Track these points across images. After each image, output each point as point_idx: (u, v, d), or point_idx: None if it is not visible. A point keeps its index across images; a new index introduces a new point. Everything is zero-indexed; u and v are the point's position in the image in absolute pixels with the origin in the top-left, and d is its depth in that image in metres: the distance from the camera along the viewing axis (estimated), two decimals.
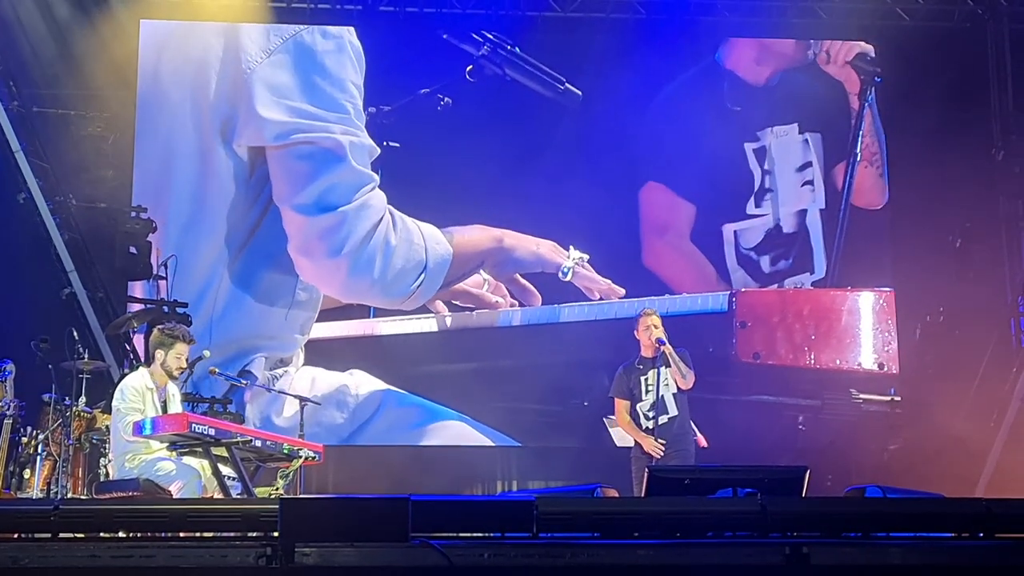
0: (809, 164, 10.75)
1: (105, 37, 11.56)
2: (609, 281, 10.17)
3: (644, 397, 9.15)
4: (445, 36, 10.03)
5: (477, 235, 9.77)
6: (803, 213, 10.73)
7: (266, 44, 9.40)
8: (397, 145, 9.85)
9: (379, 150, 9.53)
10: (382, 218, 9.41)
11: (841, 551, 5.19)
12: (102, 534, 5.27)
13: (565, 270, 9.90)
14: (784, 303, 10.29)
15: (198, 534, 5.50)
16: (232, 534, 5.32)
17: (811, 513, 5.61)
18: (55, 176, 11.50)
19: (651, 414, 9.05)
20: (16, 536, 5.23)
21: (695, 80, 10.82)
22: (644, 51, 12.52)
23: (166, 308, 10.70)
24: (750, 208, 10.64)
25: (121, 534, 5.39)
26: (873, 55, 10.99)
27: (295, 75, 9.32)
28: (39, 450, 9.49)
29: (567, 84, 10.05)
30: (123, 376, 10.16)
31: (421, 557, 4.92)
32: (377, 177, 9.43)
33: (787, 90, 10.85)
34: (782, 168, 10.69)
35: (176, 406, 8.47)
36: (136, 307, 11.12)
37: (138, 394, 8.18)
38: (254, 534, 5.21)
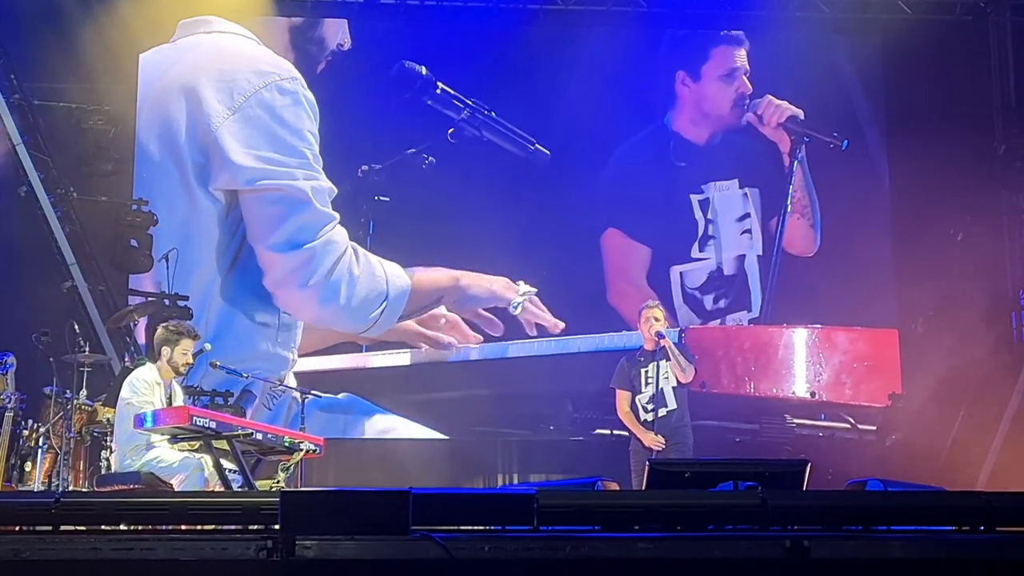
0: (748, 215, 11.72)
1: (106, 30, 11.55)
2: (553, 318, 11.11)
3: (644, 389, 9.16)
4: (429, 103, 11.06)
5: (436, 274, 10.77)
6: (742, 258, 11.72)
7: (230, 102, 10.46)
8: (387, 199, 10.91)
9: (336, 191, 10.52)
10: (345, 251, 10.45)
11: (842, 545, 5.18)
12: (103, 527, 5.27)
13: (515, 304, 10.86)
14: (728, 338, 11.11)
15: (199, 527, 5.50)
16: (233, 527, 5.31)
17: (812, 507, 5.60)
18: (56, 169, 11.48)
19: (650, 407, 9.07)
20: (17, 529, 5.23)
21: (646, 140, 11.89)
22: (644, 47, 12.65)
23: (167, 301, 10.70)
24: (694, 252, 11.64)
25: (122, 527, 5.39)
26: (803, 118, 11.96)
27: (259, 128, 10.35)
28: (40, 443, 9.48)
29: (537, 145, 11.04)
30: (126, 369, 10.18)
31: (422, 550, 4.92)
32: (337, 216, 10.46)
33: (727, 149, 11.84)
34: (723, 218, 11.72)
35: (179, 403, 8.48)
36: (137, 300, 11.11)
37: (149, 387, 8.20)
38: (255, 527, 5.20)
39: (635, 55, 12.69)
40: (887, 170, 13.07)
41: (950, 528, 5.53)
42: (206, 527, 5.47)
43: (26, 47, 11.53)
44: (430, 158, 10.96)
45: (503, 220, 10.98)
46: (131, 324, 10.94)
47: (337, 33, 11.41)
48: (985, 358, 12.04)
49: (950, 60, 12.72)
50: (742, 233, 11.73)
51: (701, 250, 11.70)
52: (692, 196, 11.74)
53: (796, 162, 11.71)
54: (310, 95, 10.60)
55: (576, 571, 4.97)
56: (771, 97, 12.01)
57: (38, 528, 5.21)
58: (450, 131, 11.05)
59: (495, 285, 10.94)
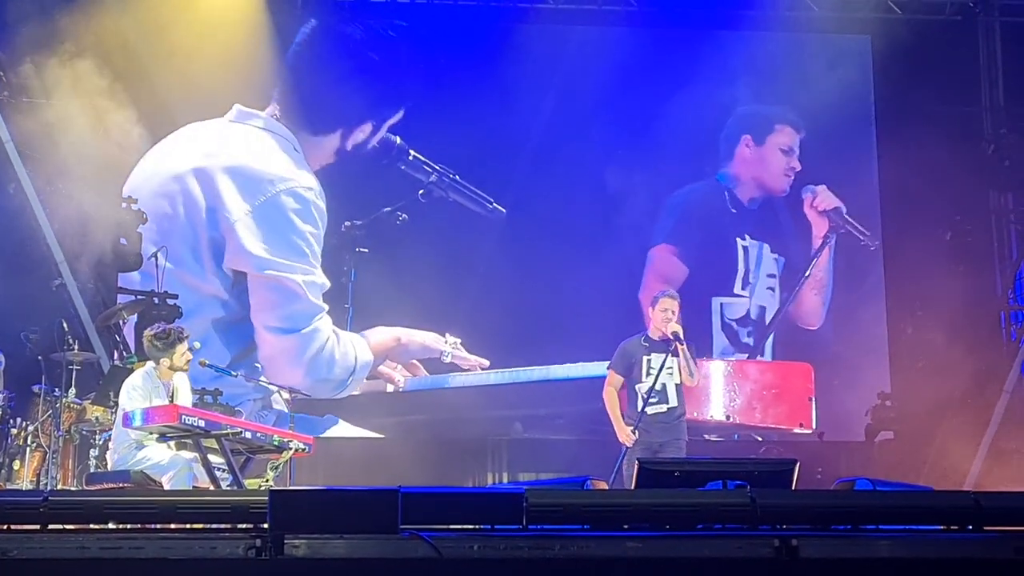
0: (774, 275, 13.20)
1: (96, 26, 11.53)
2: (477, 357, 12.42)
3: (643, 379, 9.03)
4: (403, 167, 12.52)
5: (382, 336, 12.29)
6: (763, 309, 13.15)
7: (252, 200, 11.89)
8: (366, 250, 12.34)
9: (329, 284, 12.06)
10: (328, 339, 11.99)
11: (830, 544, 5.19)
12: (91, 526, 5.25)
13: (445, 353, 12.29)
14: None
15: (188, 526, 5.48)
16: (222, 526, 5.30)
17: (801, 506, 5.60)
18: (45, 166, 11.44)
19: (648, 398, 8.93)
20: (5, 528, 5.21)
21: (704, 188, 13.31)
22: (639, 52, 12.86)
23: (156, 300, 10.67)
24: (737, 288, 13.09)
25: (111, 526, 5.37)
26: (845, 212, 13.10)
27: (272, 226, 11.91)
28: (29, 441, 9.46)
29: (494, 204, 12.54)
30: (115, 367, 10.15)
31: (411, 549, 4.91)
32: (325, 307, 12.02)
33: (766, 214, 13.30)
34: (759, 270, 13.20)
35: (184, 396, 8.43)
36: (126, 298, 11.08)
37: (145, 392, 8.17)
38: (244, 526, 5.19)
39: (629, 60, 12.86)
40: (876, 169, 13.11)
41: (938, 527, 5.54)
42: (195, 526, 5.46)
43: (14, 43, 11.49)
44: (403, 215, 12.39)
45: (464, 269, 12.45)
46: (120, 322, 10.90)
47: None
48: (974, 357, 12.07)
49: (939, 60, 12.75)
50: (767, 288, 13.18)
51: (743, 288, 13.11)
52: (738, 240, 13.18)
53: (827, 246, 13.13)
54: (321, 204, 12.11)
55: (565, 570, 4.97)
56: (826, 187, 13.17)
57: (26, 527, 5.19)
58: (420, 192, 12.50)
59: (427, 339, 12.38)
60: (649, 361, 9.06)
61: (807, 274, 13.03)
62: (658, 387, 8.96)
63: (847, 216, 13.07)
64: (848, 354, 12.65)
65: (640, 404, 8.97)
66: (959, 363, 12.03)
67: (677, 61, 12.94)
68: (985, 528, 5.42)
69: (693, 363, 8.98)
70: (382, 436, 12.18)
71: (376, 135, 12.55)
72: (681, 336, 8.97)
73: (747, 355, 13.04)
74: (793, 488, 6.56)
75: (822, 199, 13.15)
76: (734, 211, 13.18)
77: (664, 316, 9.06)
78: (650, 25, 12.97)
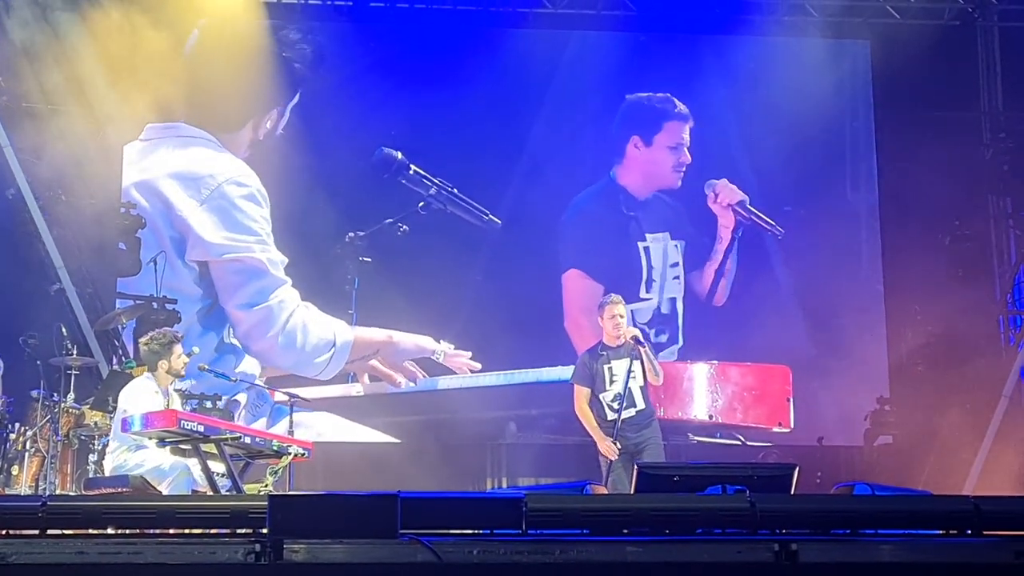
0: (677, 264, 13.42)
1: (94, 31, 11.54)
2: (468, 358, 12.69)
3: (608, 387, 9.04)
4: (403, 182, 12.95)
5: (374, 331, 12.66)
6: (673, 300, 13.39)
7: (198, 196, 12.32)
8: (369, 260, 12.75)
9: (287, 260, 12.45)
10: (297, 307, 12.37)
11: (830, 548, 5.19)
12: (90, 531, 5.25)
13: (438, 354, 12.62)
14: None
15: (187, 531, 5.48)
16: (221, 531, 5.30)
17: (800, 510, 5.61)
18: (44, 171, 11.44)
19: (615, 405, 8.95)
20: (4, 532, 5.21)
21: (598, 192, 13.44)
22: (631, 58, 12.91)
23: (155, 304, 10.67)
24: (642, 293, 13.30)
25: (110, 531, 5.37)
26: (748, 203, 13.13)
27: (223, 214, 12.35)
28: (27, 446, 9.46)
29: (490, 215, 12.93)
30: (114, 372, 10.15)
31: (410, 553, 4.92)
32: (288, 280, 12.40)
33: (661, 206, 13.46)
34: (661, 264, 13.42)
35: (176, 405, 8.46)
36: (125, 303, 11.09)
37: (148, 397, 8.18)
38: (243, 531, 5.19)
39: (626, 66, 12.96)
40: (876, 174, 13.11)
41: (938, 532, 5.54)
42: (194, 531, 5.45)
43: (13, 48, 11.49)
44: (404, 227, 12.78)
45: (461, 277, 12.81)
46: (119, 327, 10.92)
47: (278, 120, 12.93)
48: (973, 362, 12.07)
49: (938, 65, 12.75)
50: (673, 278, 13.41)
51: (647, 291, 13.31)
52: (639, 243, 13.34)
53: (736, 238, 13.24)
54: (263, 189, 12.51)
55: (565, 575, 4.97)
56: (726, 180, 13.16)
57: (25, 532, 5.19)
58: (420, 204, 12.89)
59: (421, 341, 12.69)
60: (611, 369, 9.09)
61: (723, 267, 13.18)
62: (624, 392, 8.97)
63: (751, 207, 13.11)
64: (847, 358, 12.64)
65: (608, 413, 9.02)
66: (958, 368, 12.03)
67: (676, 67, 12.97)
68: (985, 532, 5.42)
69: (655, 362, 9.01)
70: (381, 441, 12.21)
71: (283, 120, 12.80)
72: (640, 338, 9.04)
73: (670, 347, 13.18)
74: (792, 492, 6.57)
75: (725, 194, 13.17)
76: (631, 214, 13.31)
77: (614, 322, 9.14)
78: (649, 30, 12.99)
